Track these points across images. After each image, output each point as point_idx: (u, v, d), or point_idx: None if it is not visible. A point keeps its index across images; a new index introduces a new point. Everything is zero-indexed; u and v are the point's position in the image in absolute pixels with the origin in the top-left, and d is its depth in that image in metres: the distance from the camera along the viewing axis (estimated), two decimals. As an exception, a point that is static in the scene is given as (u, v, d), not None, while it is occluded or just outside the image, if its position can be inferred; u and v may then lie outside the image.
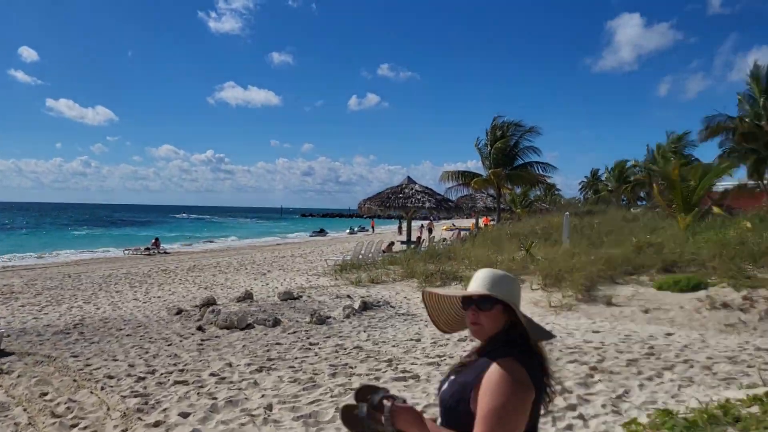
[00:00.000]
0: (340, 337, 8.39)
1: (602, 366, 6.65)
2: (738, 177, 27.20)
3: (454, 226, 50.76)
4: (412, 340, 8.15)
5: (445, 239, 29.50)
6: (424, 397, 5.67)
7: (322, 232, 55.04)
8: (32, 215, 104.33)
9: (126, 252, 30.03)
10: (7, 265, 23.29)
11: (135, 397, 5.77)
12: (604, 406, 5.28)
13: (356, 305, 10.06)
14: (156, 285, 15.17)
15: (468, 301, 1.94)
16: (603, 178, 66.06)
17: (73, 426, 5.12)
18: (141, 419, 5.18)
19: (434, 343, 7.91)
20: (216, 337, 8.46)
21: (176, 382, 6.22)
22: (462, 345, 7.73)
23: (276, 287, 14.16)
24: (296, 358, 7.22)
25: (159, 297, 12.78)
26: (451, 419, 1.84)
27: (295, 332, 8.68)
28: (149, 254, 29.17)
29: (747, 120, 24.03)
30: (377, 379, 6.26)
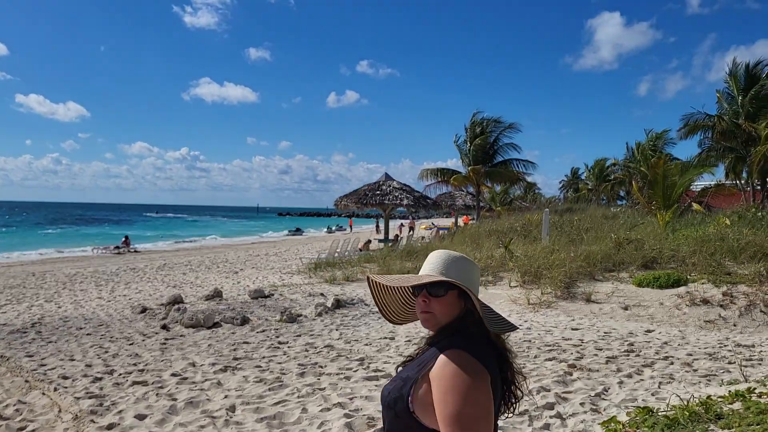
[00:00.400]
0: (311, 335, 8.07)
1: (581, 363, 6.44)
2: (718, 177, 27.43)
3: (434, 225, 50.67)
4: (385, 338, 7.86)
5: (423, 237, 29.31)
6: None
7: (298, 231, 54.53)
8: (1, 214, 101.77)
9: (95, 251, 29.27)
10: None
11: (89, 398, 5.39)
12: (582, 404, 5.05)
13: (329, 303, 9.74)
14: (123, 283, 14.66)
15: (419, 285, 1.66)
16: (583, 177, 66.65)
17: (21, 429, 4.75)
18: (94, 421, 4.82)
19: (408, 341, 7.63)
20: (181, 336, 8.08)
21: (135, 383, 5.84)
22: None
23: (247, 285, 13.76)
24: (264, 357, 6.89)
25: (125, 296, 12.31)
26: (391, 420, 1.57)
27: (264, 331, 8.33)
28: (119, 253, 28.47)
29: (725, 118, 24.20)
30: (347, 378, 5.96)
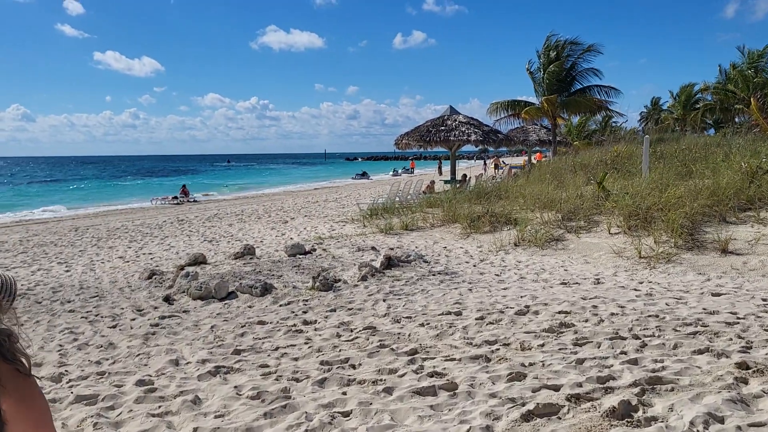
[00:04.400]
0: (349, 310, 6.02)
1: (754, 359, 4.06)
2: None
3: (504, 163, 47.46)
4: (450, 313, 5.71)
5: (494, 177, 26.70)
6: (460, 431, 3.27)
7: (364, 175, 52.62)
8: (84, 168, 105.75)
9: (154, 201, 28.46)
10: (22, 219, 21.92)
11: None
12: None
13: (378, 263, 7.64)
14: (159, 238, 13.16)
15: None
16: (665, 107, 61.64)
17: None
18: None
19: (481, 318, 5.44)
20: (183, 312, 6.24)
21: (79, 399, 4.00)
22: (523, 321, 5.25)
23: (291, 237, 11.91)
24: (277, 348, 4.91)
25: (150, 254, 10.72)
26: None
27: (289, 303, 6.36)
28: (177, 203, 27.52)
29: None
30: (388, 392, 3.88)
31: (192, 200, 29.02)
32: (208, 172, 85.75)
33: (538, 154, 42.51)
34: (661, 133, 34.40)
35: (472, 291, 6.54)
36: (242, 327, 5.57)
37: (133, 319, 6.00)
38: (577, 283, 6.80)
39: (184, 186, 30.45)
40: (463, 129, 21.07)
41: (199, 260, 8.79)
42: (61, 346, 5.22)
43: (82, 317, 6.14)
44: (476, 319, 5.44)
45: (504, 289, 6.58)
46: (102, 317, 6.14)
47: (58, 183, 58.51)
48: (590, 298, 6.03)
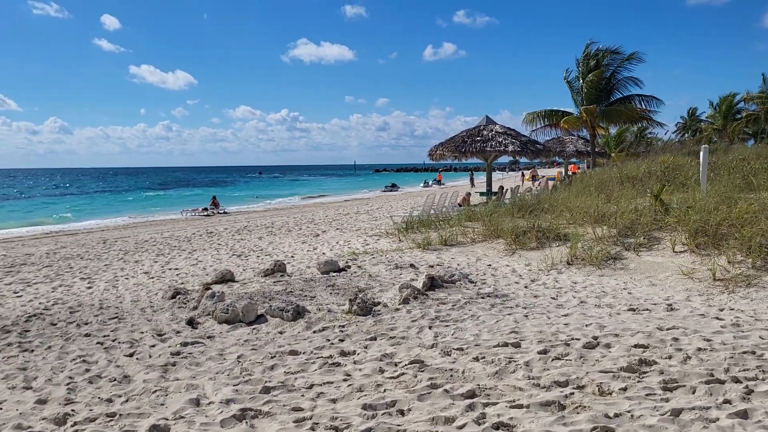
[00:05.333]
0: (392, 339, 5.35)
1: None
2: None
3: (538, 174, 46.34)
4: (507, 344, 4.99)
5: (530, 189, 25.81)
6: None
7: (394, 186, 52.04)
8: (117, 179, 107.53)
9: (184, 213, 28.27)
10: (51, 231, 21.83)
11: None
12: None
13: (419, 283, 6.96)
14: (186, 252, 12.71)
15: None
16: (703, 117, 60.13)
17: None
18: None
19: (545, 352, 4.71)
20: (207, 338, 5.65)
21: (82, 448, 3.41)
22: (594, 356, 4.50)
23: (323, 253, 11.31)
24: (311, 386, 4.26)
25: (177, 269, 10.22)
26: None
27: (323, 330, 5.72)
28: (207, 215, 27.27)
29: None
30: (448, 451, 3.20)
31: (222, 212, 28.77)
32: (239, 183, 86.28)
33: (572, 165, 41.38)
34: (693, 145, 33.11)
35: (528, 317, 5.81)
36: (272, 358, 4.95)
37: (153, 346, 5.43)
38: (647, 309, 6.02)
39: (214, 197, 30.24)
40: (500, 139, 20.28)
41: (226, 278, 8.23)
42: (71, 378, 4.66)
43: (97, 343, 5.60)
44: (538, 352, 4.71)
45: (564, 315, 5.84)
46: (119, 343, 5.58)
47: (91, 195, 59.29)
48: (668, 329, 5.25)
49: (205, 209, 28.33)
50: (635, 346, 4.78)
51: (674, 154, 19.09)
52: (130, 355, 5.18)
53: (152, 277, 9.42)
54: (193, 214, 27.88)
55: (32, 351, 5.43)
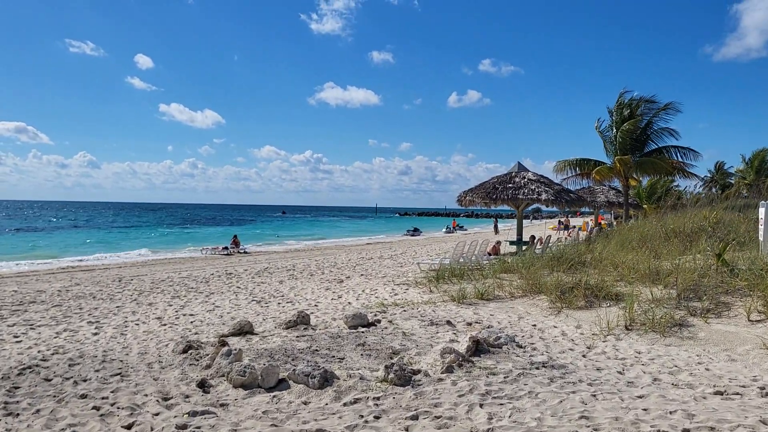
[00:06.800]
0: (437, 419, 4.48)
1: None
2: None
3: (563, 224, 45.26)
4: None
5: (560, 240, 24.85)
6: None
7: (416, 231, 51.25)
8: (142, 214, 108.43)
9: (204, 251, 27.73)
10: (69, 265, 21.35)
11: None
12: None
13: (462, 347, 6.11)
14: (204, 295, 11.99)
15: None
16: (732, 171, 59.29)
17: None
18: None
19: (631, 450, 3.82)
20: (220, 405, 4.85)
21: None
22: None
23: (350, 302, 10.51)
24: (344, 485, 3.43)
25: (192, 315, 9.49)
26: None
27: (355, 402, 4.89)
28: (228, 254, 26.69)
29: None
30: None
31: (242, 251, 28.20)
32: (262, 221, 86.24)
33: (599, 216, 40.32)
34: (734, 200, 31.95)
35: (596, 397, 4.91)
36: (295, 439, 4.12)
37: (156, 414, 4.64)
38: (737, 393, 5.09)
39: (235, 236, 29.72)
40: (533, 187, 19.52)
41: (244, 329, 7.46)
42: (54, 456, 3.89)
43: (93, 407, 4.81)
44: (622, 449, 3.82)
45: (639, 397, 4.93)
46: (119, 408, 4.79)
47: (114, 229, 59.41)
48: (773, 423, 4.32)
49: (226, 248, 27.78)
50: (742, 446, 3.87)
51: (715, 209, 18.11)
52: (129, 427, 4.39)
53: (164, 324, 8.69)
54: (213, 252, 27.33)
55: (17, 415, 4.66)
